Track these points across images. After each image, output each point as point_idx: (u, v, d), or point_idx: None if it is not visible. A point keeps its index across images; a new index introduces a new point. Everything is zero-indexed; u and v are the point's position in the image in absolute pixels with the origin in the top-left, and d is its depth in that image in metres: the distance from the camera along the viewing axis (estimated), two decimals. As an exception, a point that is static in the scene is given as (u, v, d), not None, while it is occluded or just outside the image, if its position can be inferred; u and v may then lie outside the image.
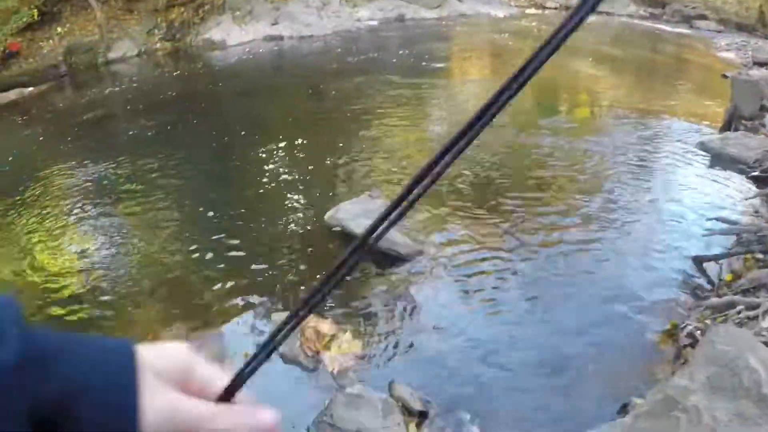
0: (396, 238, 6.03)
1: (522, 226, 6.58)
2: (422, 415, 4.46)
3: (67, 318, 5.69)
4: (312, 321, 5.09)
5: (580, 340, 5.10)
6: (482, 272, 5.89)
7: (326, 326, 5.07)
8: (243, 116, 10.20)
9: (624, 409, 4.24)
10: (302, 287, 5.76)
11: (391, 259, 5.94)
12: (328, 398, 4.50)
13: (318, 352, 4.91)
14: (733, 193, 7.09)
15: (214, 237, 6.54)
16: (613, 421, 4.07)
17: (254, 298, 5.65)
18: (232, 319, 5.45)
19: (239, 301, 5.64)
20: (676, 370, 4.55)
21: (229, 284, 5.85)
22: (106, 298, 5.86)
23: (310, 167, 8.06)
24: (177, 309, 5.67)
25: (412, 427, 4.35)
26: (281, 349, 4.88)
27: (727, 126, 8.66)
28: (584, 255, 6.12)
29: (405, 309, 5.42)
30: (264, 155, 8.43)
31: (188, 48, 15.54)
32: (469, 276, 5.83)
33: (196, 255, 6.28)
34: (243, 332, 5.35)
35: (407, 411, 4.44)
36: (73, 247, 6.79)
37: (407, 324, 5.27)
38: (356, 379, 4.74)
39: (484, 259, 6.07)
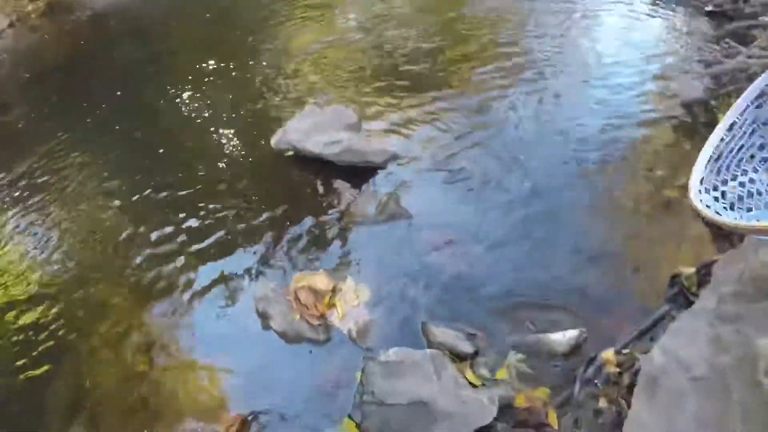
0: (364, 147, 4.79)
1: (486, 95, 5.40)
2: (474, 354, 3.38)
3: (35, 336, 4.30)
4: (302, 280, 3.87)
5: (602, 209, 4.18)
6: (470, 158, 4.70)
7: (321, 281, 3.88)
8: (143, 59, 8.35)
9: (674, 281, 3.43)
10: (268, 228, 4.53)
11: (366, 174, 4.68)
12: (358, 370, 3.41)
13: (323, 316, 3.72)
14: (702, 34, 5.88)
15: (155, 201, 5.11)
16: (673, 299, 3.35)
17: (221, 256, 4.43)
18: (204, 288, 4.25)
19: (206, 262, 4.42)
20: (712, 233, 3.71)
21: (188, 248, 4.57)
22: (63, 301, 4.48)
23: (233, 95, 6.50)
24: (142, 289, 4.35)
25: (468, 373, 3.27)
26: (278, 328, 3.73)
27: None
28: (565, 108, 5.08)
29: (403, 228, 4.23)
30: (179, 96, 6.78)
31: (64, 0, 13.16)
32: (457, 167, 4.67)
33: (143, 226, 4.87)
34: (219, 293, 4.19)
35: (456, 357, 3.34)
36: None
37: (412, 246, 4.12)
38: (380, 334, 3.62)
39: (465, 142, 4.89)
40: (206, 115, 6.15)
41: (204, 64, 7.10)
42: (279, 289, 3.92)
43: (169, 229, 4.77)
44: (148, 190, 5.24)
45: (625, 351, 3.07)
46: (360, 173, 4.69)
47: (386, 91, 5.69)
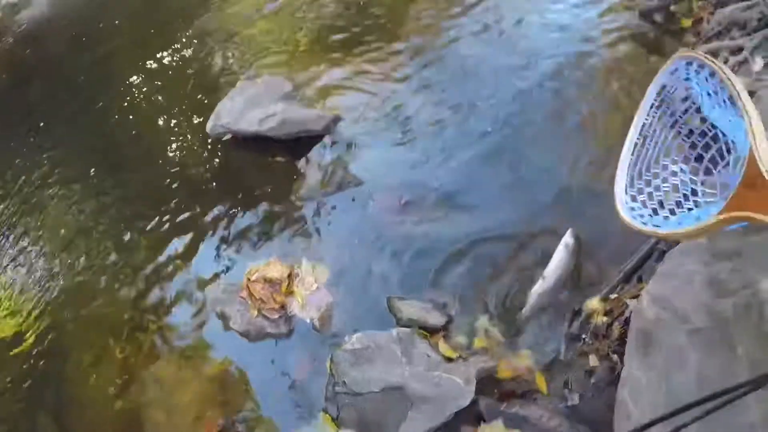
0: (301, 116, 4.29)
1: (431, 38, 4.82)
2: (447, 324, 2.99)
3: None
4: (255, 272, 3.44)
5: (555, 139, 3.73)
6: (419, 108, 4.23)
7: (275, 269, 3.45)
8: (75, 71, 7.54)
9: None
10: (214, 223, 4.03)
11: (309, 144, 4.19)
12: (327, 359, 3.01)
13: (283, 307, 3.30)
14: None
15: (102, 218, 4.54)
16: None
17: (176, 262, 3.94)
18: (162, 300, 3.76)
19: (161, 272, 3.92)
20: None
21: (139, 260, 4.08)
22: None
23: (165, 88, 5.78)
24: (103, 314, 3.87)
25: (443, 346, 2.88)
26: (239, 328, 3.32)
27: None
28: (521, 36, 4.49)
29: (355, 196, 3.79)
30: (113, 104, 5.95)
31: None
32: (405, 119, 4.19)
33: (90, 246, 4.35)
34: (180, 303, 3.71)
35: (427, 330, 2.95)
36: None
37: (367, 213, 3.70)
38: (344, 317, 3.22)
39: (411, 91, 4.39)
40: (141, 115, 5.53)
41: (135, 63, 6.36)
42: (231, 287, 3.49)
43: (117, 245, 4.26)
44: (95, 208, 4.65)
45: (612, 296, 2.66)
46: (302, 145, 4.21)
47: (320, 52, 5.12)
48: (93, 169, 4.98)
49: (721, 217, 1.02)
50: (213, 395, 3.27)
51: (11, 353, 3.93)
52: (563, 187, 3.42)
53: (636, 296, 2.36)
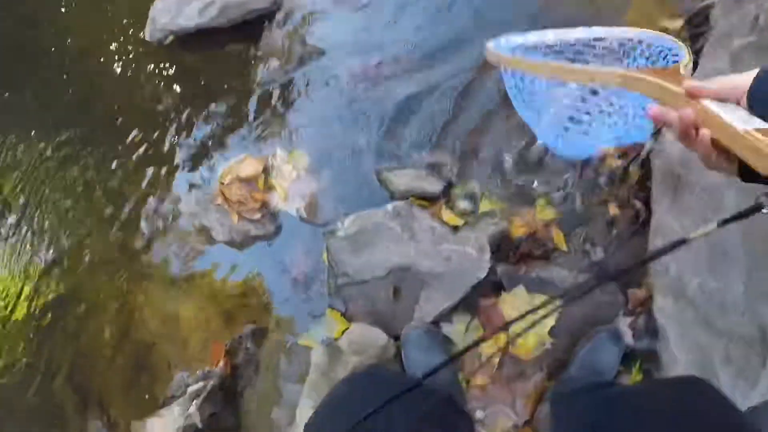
0: (244, -7, 3.60)
1: None
2: (447, 188, 2.55)
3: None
4: (227, 175, 2.97)
5: None
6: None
7: (248, 166, 2.97)
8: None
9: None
10: (175, 136, 3.44)
11: (259, 24, 3.56)
12: (323, 250, 2.62)
13: (264, 205, 2.86)
14: None
15: (63, 162, 3.91)
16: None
17: (149, 184, 3.37)
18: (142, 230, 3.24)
19: (131, 200, 3.36)
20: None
21: (109, 197, 3.47)
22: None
23: (90, 9, 4.86)
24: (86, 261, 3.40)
25: (446, 214, 2.45)
26: (223, 238, 2.92)
27: None
28: None
29: (321, 68, 3.25)
30: (46, 36, 4.99)
31: None
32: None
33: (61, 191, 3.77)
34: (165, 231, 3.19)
35: (426, 200, 2.51)
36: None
37: (338, 85, 3.18)
38: (333, 202, 2.79)
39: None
40: (73, 49, 4.69)
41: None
42: (204, 197, 3.02)
43: (81, 193, 3.65)
44: (52, 163, 3.99)
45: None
46: (251, 27, 3.57)
47: None
48: (36, 126, 4.27)
49: (615, 71, 0.93)
50: (215, 316, 2.90)
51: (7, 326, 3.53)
52: (554, 21, 2.85)
53: (653, 134, 1.90)
